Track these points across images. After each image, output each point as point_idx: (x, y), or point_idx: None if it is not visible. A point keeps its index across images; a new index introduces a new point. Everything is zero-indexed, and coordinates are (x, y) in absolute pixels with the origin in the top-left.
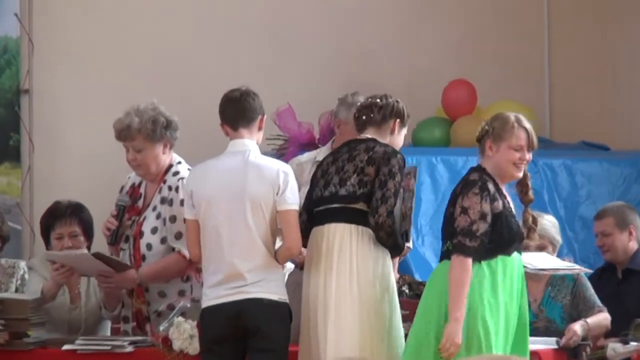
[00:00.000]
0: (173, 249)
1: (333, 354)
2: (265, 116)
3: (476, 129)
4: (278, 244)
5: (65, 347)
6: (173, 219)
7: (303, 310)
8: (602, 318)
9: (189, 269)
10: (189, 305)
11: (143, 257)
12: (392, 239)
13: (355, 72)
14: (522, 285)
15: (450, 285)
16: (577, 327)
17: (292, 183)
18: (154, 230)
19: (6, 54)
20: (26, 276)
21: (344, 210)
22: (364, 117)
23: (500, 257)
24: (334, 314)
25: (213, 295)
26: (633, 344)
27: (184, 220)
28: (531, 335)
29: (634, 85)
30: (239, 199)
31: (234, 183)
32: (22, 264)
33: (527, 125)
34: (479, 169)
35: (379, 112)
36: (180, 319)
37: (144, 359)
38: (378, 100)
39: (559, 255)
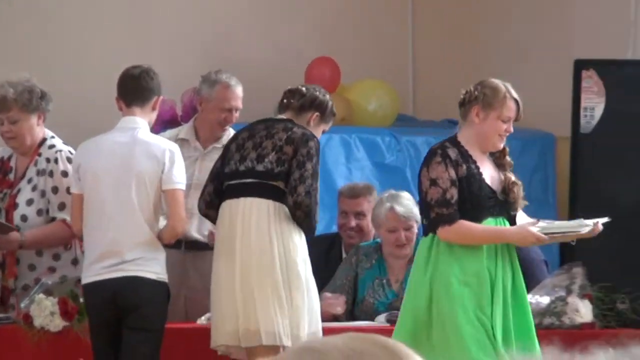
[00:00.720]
0: (53, 219)
1: (263, 329)
2: (160, 96)
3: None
4: (163, 223)
5: None
6: (55, 189)
7: (217, 283)
8: None
9: (73, 238)
10: (50, 282)
11: (17, 229)
12: (308, 219)
13: (219, 50)
14: (507, 252)
15: (475, 245)
16: None
17: (179, 162)
18: (30, 202)
19: None
20: None
21: (261, 185)
22: (284, 101)
23: None
24: (257, 290)
25: (92, 272)
26: None
27: (69, 192)
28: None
29: (497, 63)
30: (124, 174)
31: (121, 158)
32: None
33: (516, 96)
34: (449, 138)
35: (299, 99)
36: (42, 295)
37: (4, 336)
38: (304, 89)
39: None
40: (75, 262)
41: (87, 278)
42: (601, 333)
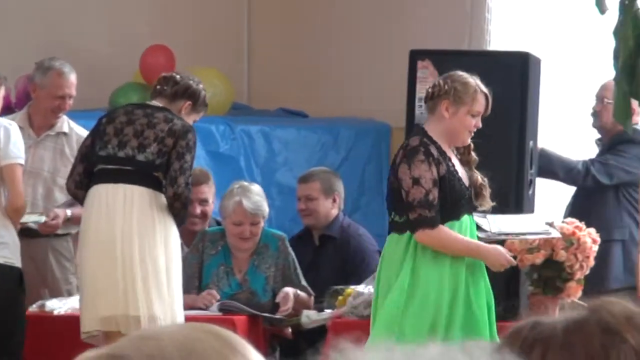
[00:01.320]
0: None
1: (145, 313)
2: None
3: None
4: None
5: None
6: None
7: (85, 270)
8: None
9: None
10: None
11: None
12: (184, 210)
13: (53, 37)
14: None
15: (449, 254)
16: (291, 290)
17: (16, 138)
18: None
19: None
20: None
21: (141, 174)
22: (158, 87)
23: (448, 223)
24: (139, 277)
25: None
26: (328, 311)
27: None
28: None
29: (331, 54)
30: None
31: None
32: None
33: (486, 90)
34: (420, 131)
35: (172, 87)
36: None
37: None
38: (178, 77)
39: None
40: None
41: None
42: None
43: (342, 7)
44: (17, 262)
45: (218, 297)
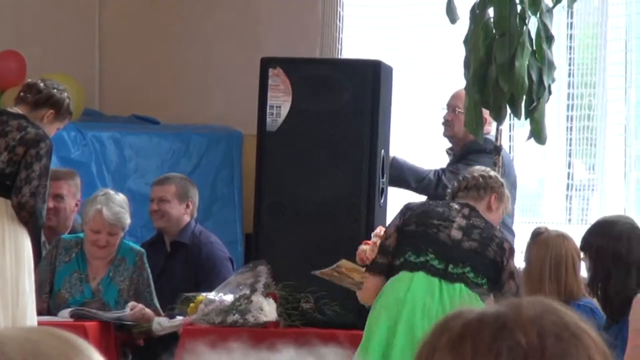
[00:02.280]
0: None
1: None
2: None
3: None
4: None
5: None
6: None
7: None
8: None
9: None
10: None
11: None
12: (33, 219)
13: None
14: None
15: None
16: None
17: None
18: None
19: None
20: None
21: None
22: (21, 94)
23: None
24: None
25: None
26: (179, 317)
27: None
28: None
29: (185, 60)
30: None
31: None
32: None
33: None
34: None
35: (34, 95)
36: None
37: None
38: (41, 85)
39: None
40: None
41: None
42: (285, 332)
43: (196, 14)
44: None
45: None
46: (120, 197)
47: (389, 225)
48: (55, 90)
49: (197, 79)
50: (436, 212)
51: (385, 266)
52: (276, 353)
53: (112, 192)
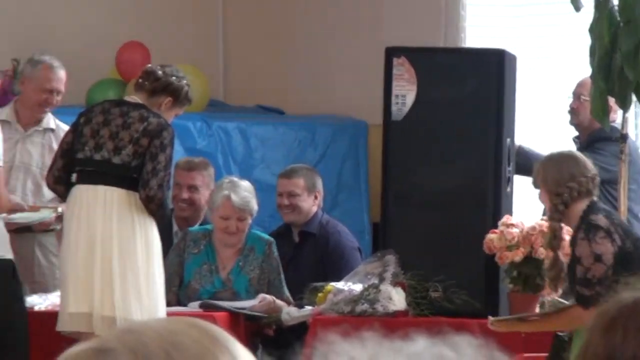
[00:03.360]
0: None
1: (121, 315)
2: None
3: None
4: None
5: None
6: None
7: (67, 268)
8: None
9: None
10: None
11: None
12: (161, 210)
13: (29, 34)
14: None
15: None
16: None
17: None
18: None
19: None
20: None
21: (119, 176)
22: (139, 81)
23: None
24: (117, 278)
25: None
26: (308, 308)
27: None
28: None
29: (309, 51)
30: None
31: None
32: None
33: None
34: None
35: (152, 83)
36: None
37: None
38: (160, 72)
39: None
40: None
41: None
42: (414, 321)
43: (320, 3)
44: (7, 254)
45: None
46: (246, 183)
47: (604, 253)
48: (173, 77)
49: (322, 69)
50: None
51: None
52: (409, 342)
53: (236, 178)
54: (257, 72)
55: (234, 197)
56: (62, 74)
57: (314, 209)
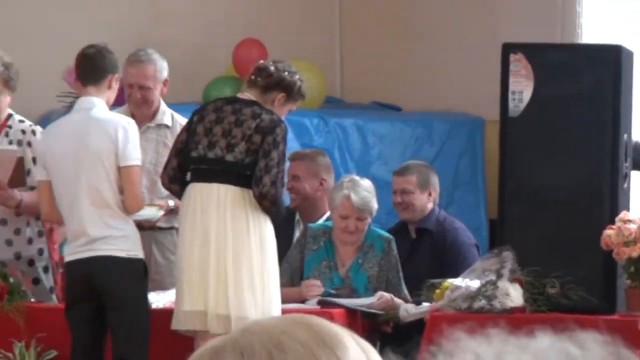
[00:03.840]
0: (31, 189)
1: (236, 314)
2: (116, 74)
3: None
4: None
5: None
6: (35, 160)
7: (182, 266)
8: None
9: None
10: None
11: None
12: (275, 207)
13: (146, 30)
14: None
15: None
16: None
17: (133, 138)
18: None
19: None
20: None
21: (232, 173)
22: (252, 77)
23: None
24: (231, 276)
25: (70, 250)
26: (426, 304)
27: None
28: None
29: (425, 47)
30: (82, 154)
31: (77, 139)
32: None
33: None
34: None
35: (265, 78)
36: None
37: None
38: (272, 68)
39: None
40: (30, 241)
41: (67, 256)
42: (532, 317)
43: (432, 1)
44: (140, 253)
45: (320, 285)
46: (366, 182)
47: None
48: (286, 73)
49: (438, 65)
50: None
51: None
52: (534, 339)
53: (357, 177)
54: (373, 69)
55: (353, 196)
56: (143, 68)
57: (429, 205)
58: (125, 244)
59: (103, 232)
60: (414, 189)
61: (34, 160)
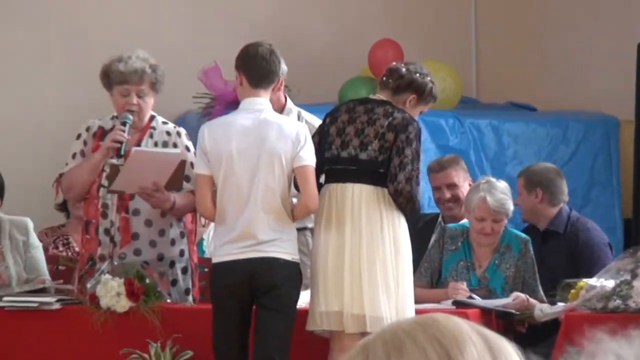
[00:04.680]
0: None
1: (370, 313)
2: (283, 77)
3: None
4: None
5: None
6: (192, 164)
7: (317, 267)
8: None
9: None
10: (115, 263)
11: (132, 197)
12: (410, 204)
13: (281, 30)
14: None
15: None
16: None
17: (310, 141)
18: None
19: None
20: None
21: (366, 172)
22: (383, 78)
23: None
24: (366, 275)
25: (225, 251)
26: (560, 304)
27: (192, 167)
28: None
29: (560, 47)
30: (258, 156)
31: (254, 140)
32: None
33: None
34: None
35: (396, 80)
36: (108, 276)
37: (71, 316)
38: (403, 70)
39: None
40: (173, 242)
41: (220, 257)
42: None
43: (566, 1)
44: (298, 257)
45: (466, 289)
46: (502, 184)
47: None
48: (417, 74)
49: (572, 65)
50: None
51: None
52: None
53: (493, 179)
54: (509, 69)
55: (489, 198)
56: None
57: (542, 206)
58: (290, 247)
59: (270, 235)
60: (520, 191)
61: (192, 164)
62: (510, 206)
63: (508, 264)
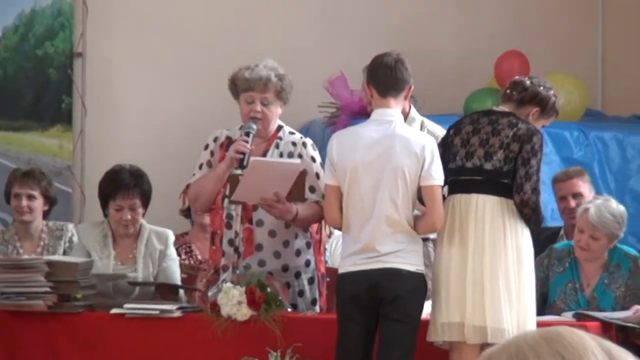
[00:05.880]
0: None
1: (492, 325)
2: (412, 85)
3: None
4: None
5: (114, 310)
6: (318, 176)
7: (440, 278)
8: None
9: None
10: (237, 272)
11: (255, 207)
12: (535, 215)
13: (410, 41)
14: None
15: None
16: None
17: (437, 157)
18: None
19: (60, 17)
20: (74, 239)
21: (490, 182)
22: (507, 91)
23: None
24: (488, 286)
25: (350, 262)
26: None
27: (318, 178)
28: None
29: None
30: (384, 170)
31: (380, 153)
32: (70, 227)
33: None
34: None
35: (520, 92)
36: (229, 284)
37: (192, 324)
38: (527, 82)
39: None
40: (298, 252)
41: (346, 267)
42: None
43: None
44: (423, 268)
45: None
46: (617, 208)
47: None
48: (541, 88)
49: None
50: None
51: None
52: None
53: (614, 201)
54: (634, 82)
55: (592, 211)
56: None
57: None
58: (414, 258)
59: (393, 247)
60: None
61: (317, 175)
62: (613, 230)
63: (618, 283)
